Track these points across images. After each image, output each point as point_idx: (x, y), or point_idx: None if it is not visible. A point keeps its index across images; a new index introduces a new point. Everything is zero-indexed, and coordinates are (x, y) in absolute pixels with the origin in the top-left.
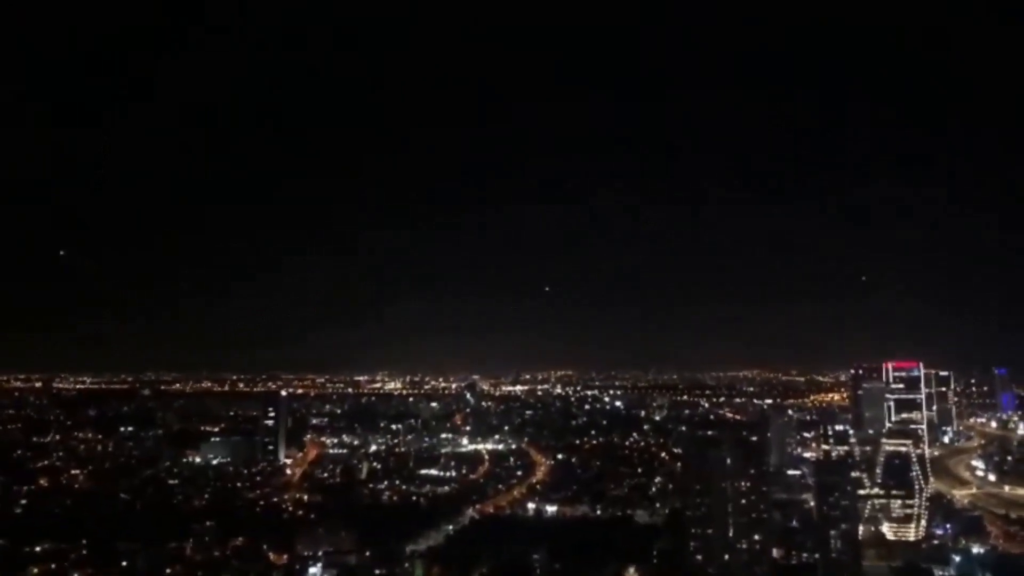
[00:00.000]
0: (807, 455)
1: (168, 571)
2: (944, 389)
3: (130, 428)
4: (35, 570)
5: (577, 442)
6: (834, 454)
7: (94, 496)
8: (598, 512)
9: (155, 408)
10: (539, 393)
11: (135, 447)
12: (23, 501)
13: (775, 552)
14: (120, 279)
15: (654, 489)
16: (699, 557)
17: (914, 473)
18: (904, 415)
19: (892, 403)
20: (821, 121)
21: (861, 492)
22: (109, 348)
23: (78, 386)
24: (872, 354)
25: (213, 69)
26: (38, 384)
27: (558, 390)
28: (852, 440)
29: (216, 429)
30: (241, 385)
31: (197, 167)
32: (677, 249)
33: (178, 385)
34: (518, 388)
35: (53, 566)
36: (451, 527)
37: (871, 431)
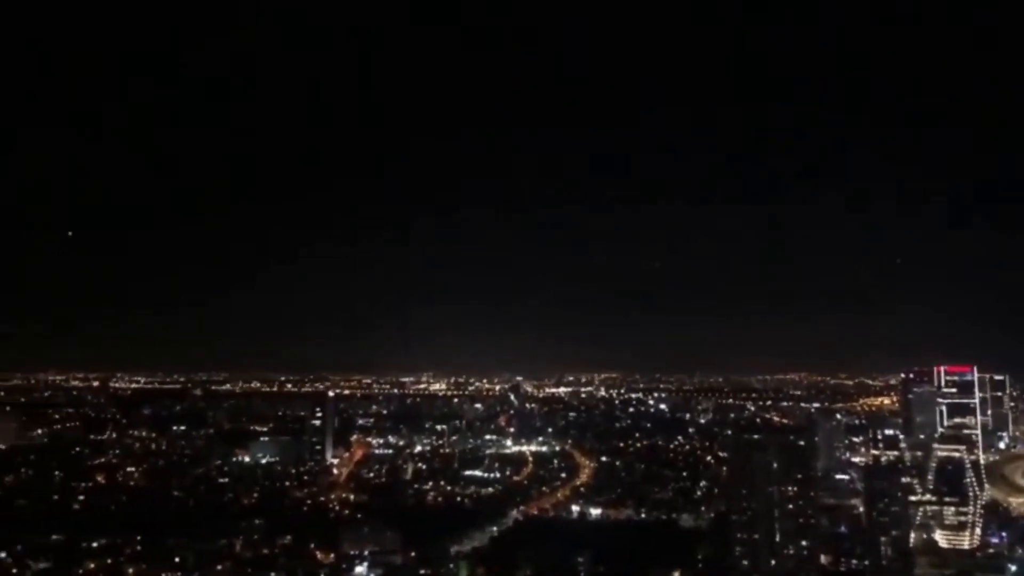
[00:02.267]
0: (856, 460)
1: (218, 567)
2: (999, 394)
3: (182, 427)
4: (92, 564)
5: (621, 445)
6: (884, 459)
7: (148, 493)
8: (642, 515)
9: (206, 408)
10: (583, 395)
11: (187, 446)
12: (81, 497)
13: (823, 558)
14: (171, 280)
15: (699, 493)
16: (745, 562)
17: (968, 479)
18: (957, 420)
19: (944, 407)
20: (872, 126)
21: (912, 498)
22: (162, 348)
23: (133, 385)
24: (924, 358)
25: (239, 70)
26: (95, 383)
27: (602, 392)
28: (903, 445)
29: (265, 429)
30: (289, 386)
31: (246, 164)
32: (725, 252)
33: (228, 385)
34: (562, 390)
35: (109, 561)
36: (495, 528)
37: (922, 436)
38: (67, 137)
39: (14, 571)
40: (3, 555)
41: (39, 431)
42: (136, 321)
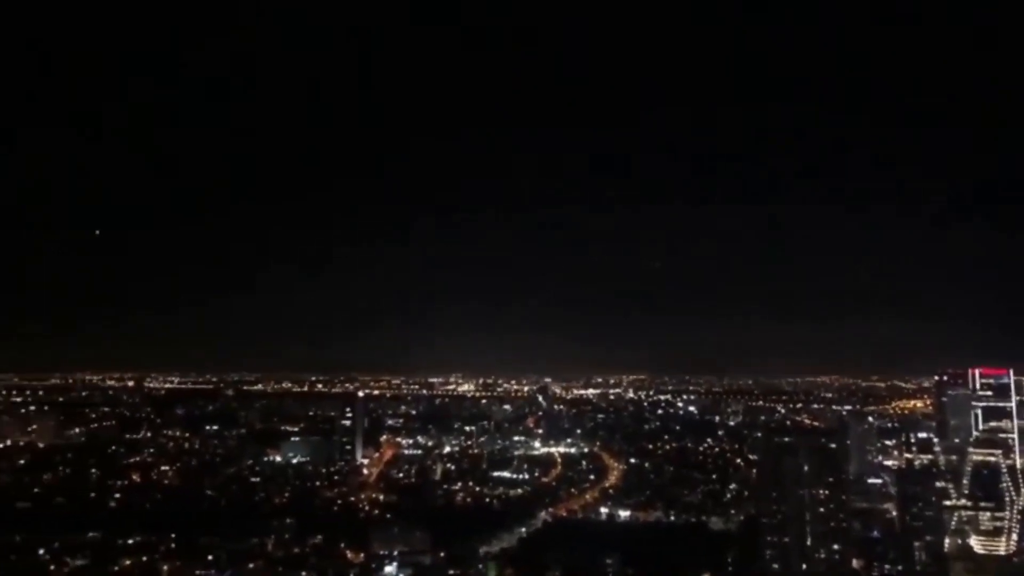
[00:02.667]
0: (888, 463)
1: (250, 566)
2: None
3: (215, 427)
4: (127, 562)
5: (650, 447)
6: (917, 463)
7: (182, 492)
8: (671, 518)
9: (238, 408)
10: (611, 397)
11: (219, 445)
12: (117, 495)
13: (855, 562)
14: (172, 280)
15: (729, 496)
16: (775, 566)
17: (1004, 484)
18: (993, 424)
19: (980, 411)
20: (872, 126)
21: (947, 503)
22: (162, 348)
23: (167, 385)
24: (958, 360)
25: (239, 70)
26: (131, 383)
27: (630, 394)
28: (937, 449)
29: (296, 429)
30: (320, 386)
31: (246, 164)
32: (752, 253)
33: (260, 385)
34: (590, 392)
35: (144, 558)
36: (524, 529)
37: (957, 440)
38: (67, 137)
39: (52, 568)
40: (42, 552)
41: (76, 430)
42: (136, 321)
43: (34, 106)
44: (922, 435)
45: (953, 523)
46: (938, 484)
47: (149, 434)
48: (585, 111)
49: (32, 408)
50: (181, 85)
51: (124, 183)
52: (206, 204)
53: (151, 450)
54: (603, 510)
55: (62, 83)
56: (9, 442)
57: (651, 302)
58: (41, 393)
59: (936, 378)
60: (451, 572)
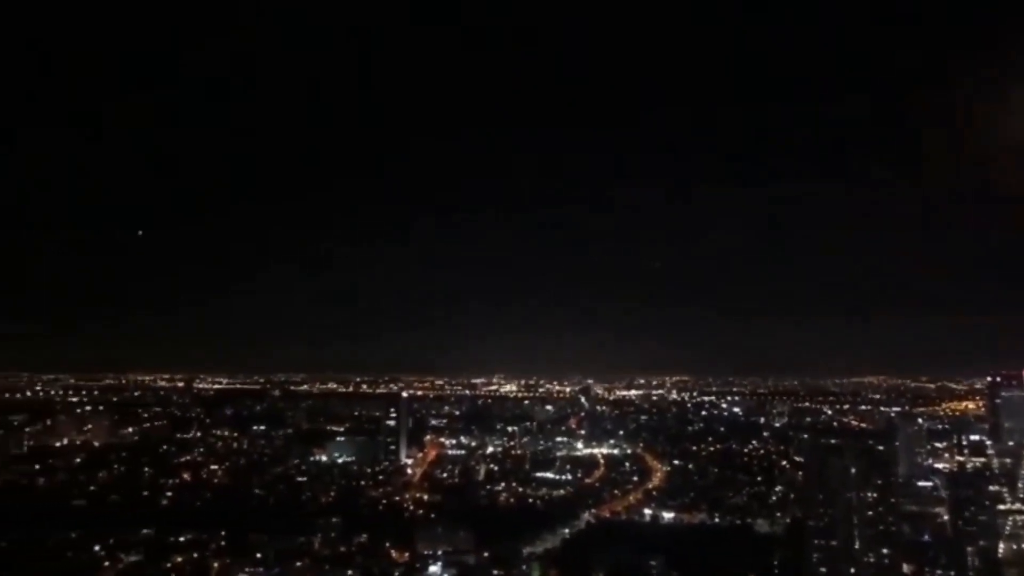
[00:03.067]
0: (939, 466)
1: (297, 564)
2: None
3: (262, 427)
4: (179, 558)
5: (694, 448)
6: (970, 466)
7: (231, 490)
8: (716, 520)
9: (285, 408)
10: (654, 398)
11: (267, 445)
12: (168, 493)
13: (905, 567)
14: (172, 280)
15: (774, 498)
16: (823, 569)
17: None
18: None
19: None
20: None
21: (1001, 507)
22: (161, 348)
23: (215, 386)
24: (1011, 360)
25: (239, 70)
26: (181, 384)
27: (674, 395)
28: (990, 451)
29: (341, 429)
30: (364, 387)
31: (246, 164)
32: (799, 252)
33: (306, 386)
34: (632, 393)
35: (195, 555)
36: (567, 530)
37: (1011, 443)
38: (67, 137)
39: (106, 564)
40: (97, 548)
41: (130, 429)
42: (136, 321)
43: (34, 106)
44: (974, 437)
45: (1007, 528)
46: (991, 488)
47: (199, 434)
48: (585, 111)
49: (87, 408)
50: (181, 85)
51: (124, 183)
52: (206, 204)
53: (201, 449)
54: (647, 511)
55: (62, 83)
56: (66, 441)
57: (651, 303)
58: (96, 393)
59: (989, 379)
60: (495, 572)
